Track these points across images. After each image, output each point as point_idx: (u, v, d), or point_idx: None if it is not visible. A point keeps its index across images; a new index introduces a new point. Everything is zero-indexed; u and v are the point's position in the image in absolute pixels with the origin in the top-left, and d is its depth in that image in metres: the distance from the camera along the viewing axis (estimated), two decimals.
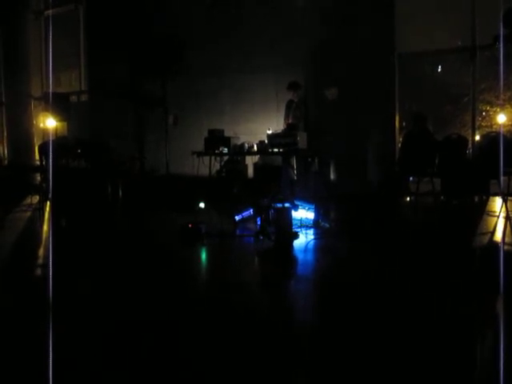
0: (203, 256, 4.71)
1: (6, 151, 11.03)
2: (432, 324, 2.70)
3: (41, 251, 4.79)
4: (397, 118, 7.68)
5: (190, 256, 4.61)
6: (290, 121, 7.08)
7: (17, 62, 10.55)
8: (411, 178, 6.51)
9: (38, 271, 4.04)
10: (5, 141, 11.07)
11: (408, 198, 6.58)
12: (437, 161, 6.21)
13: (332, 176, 7.70)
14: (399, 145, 7.47)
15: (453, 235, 5.05)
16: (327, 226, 5.66)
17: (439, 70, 13.78)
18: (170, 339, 2.56)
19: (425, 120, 6.66)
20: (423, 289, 3.37)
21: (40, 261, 4.40)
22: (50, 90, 10.44)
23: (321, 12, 7.85)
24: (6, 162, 10.75)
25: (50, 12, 11.25)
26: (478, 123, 8.23)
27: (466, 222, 5.62)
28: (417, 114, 6.74)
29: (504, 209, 5.52)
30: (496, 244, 4.65)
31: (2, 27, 10.61)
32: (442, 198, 6.18)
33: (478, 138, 7.28)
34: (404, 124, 8.90)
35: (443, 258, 4.20)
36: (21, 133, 10.69)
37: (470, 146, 6.74)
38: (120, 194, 7.56)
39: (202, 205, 6.43)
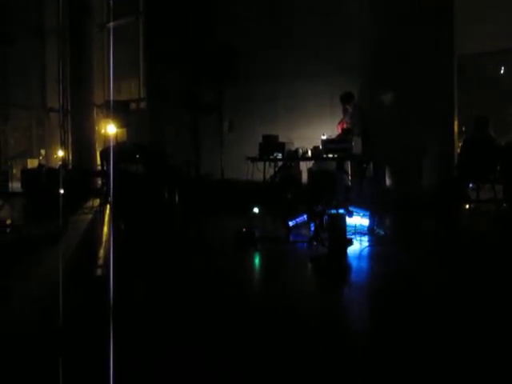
0: (256, 261, 4.75)
1: (70, 156, 11.58)
2: (491, 337, 2.61)
3: (101, 252, 5.00)
4: (456, 123, 7.44)
5: (244, 260, 4.67)
6: (344, 126, 7.02)
7: (81, 72, 11.09)
8: (471, 185, 6.28)
9: (99, 271, 4.22)
10: (69, 146, 11.63)
11: (467, 206, 6.35)
12: (499, 167, 5.97)
13: (387, 182, 7.56)
14: (458, 150, 7.23)
15: None
16: (382, 232, 5.57)
17: (502, 71, 13.19)
18: (222, 344, 2.62)
19: (486, 124, 6.37)
20: (483, 301, 3.25)
21: (101, 261, 4.59)
22: (111, 98, 10.91)
23: (374, 15, 7.76)
24: (70, 166, 11.29)
25: (112, 24, 11.78)
26: None
27: None
28: (478, 118, 6.41)
29: None
30: None
31: (69, 40, 11.20)
32: (504, 205, 5.92)
33: None
34: (464, 129, 8.60)
35: (505, 269, 4.04)
36: (84, 139, 11.21)
37: None
38: (176, 197, 7.76)
39: (256, 210, 6.49)
